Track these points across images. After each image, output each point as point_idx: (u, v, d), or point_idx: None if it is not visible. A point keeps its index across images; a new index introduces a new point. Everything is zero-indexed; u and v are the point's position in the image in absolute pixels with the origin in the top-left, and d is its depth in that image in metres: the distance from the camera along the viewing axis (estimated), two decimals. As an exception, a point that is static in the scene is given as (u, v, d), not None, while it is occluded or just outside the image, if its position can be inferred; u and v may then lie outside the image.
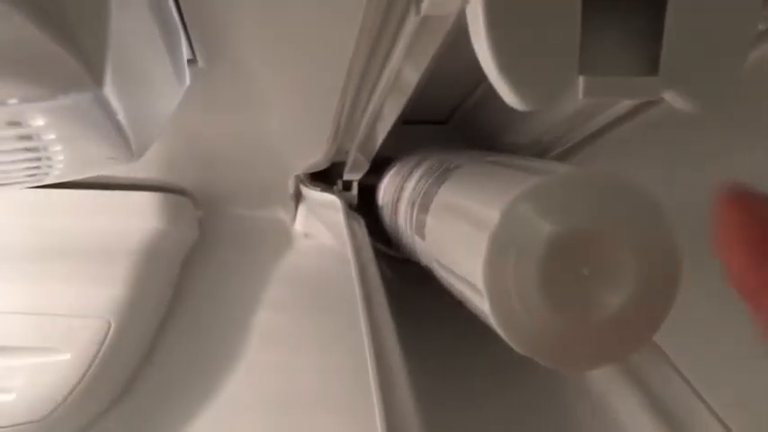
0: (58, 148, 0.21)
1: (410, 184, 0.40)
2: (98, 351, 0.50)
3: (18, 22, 0.12)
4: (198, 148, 0.46)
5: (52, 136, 0.19)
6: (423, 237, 0.35)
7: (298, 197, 0.59)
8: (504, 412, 0.42)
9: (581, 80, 0.23)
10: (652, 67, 0.24)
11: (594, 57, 0.23)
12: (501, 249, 0.23)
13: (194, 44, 0.28)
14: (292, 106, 0.39)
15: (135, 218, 0.53)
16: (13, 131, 0.18)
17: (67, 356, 0.49)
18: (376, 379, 0.32)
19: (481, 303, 0.24)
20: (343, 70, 0.32)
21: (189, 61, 0.29)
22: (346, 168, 0.51)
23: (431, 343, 0.47)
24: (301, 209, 0.61)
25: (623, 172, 0.24)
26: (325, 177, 0.56)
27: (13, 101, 0.15)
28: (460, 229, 0.27)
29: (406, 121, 0.55)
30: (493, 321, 0.24)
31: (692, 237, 0.25)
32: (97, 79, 0.15)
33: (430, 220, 0.34)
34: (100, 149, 0.22)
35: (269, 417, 0.54)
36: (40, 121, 0.18)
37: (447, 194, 0.32)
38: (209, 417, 0.53)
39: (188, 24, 0.27)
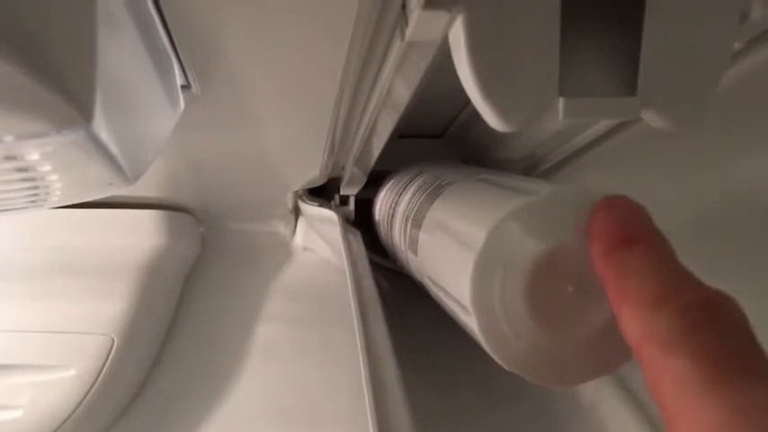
0: (55, 177, 0.22)
1: (404, 199, 0.40)
2: (102, 367, 0.50)
3: (4, 68, 0.13)
4: (198, 166, 0.47)
5: (48, 167, 0.20)
6: (415, 253, 0.36)
7: (297, 211, 0.60)
8: (498, 425, 0.43)
9: (561, 102, 0.24)
10: (630, 88, 0.24)
11: (574, 79, 0.24)
12: (487, 269, 0.23)
13: (187, 70, 0.29)
14: (287, 125, 0.40)
15: (138, 235, 0.54)
16: (10, 164, 0.19)
17: (72, 373, 0.50)
18: (370, 392, 0.33)
19: (470, 322, 0.25)
20: (335, 89, 0.33)
21: (183, 87, 0.30)
22: (343, 183, 0.52)
23: (426, 356, 0.48)
24: (301, 223, 0.61)
25: (605, 186, 0.24)
26: (323, 192, 0.56)
27: (8, 138, 0.16)
28: (449, 247, 0.28)
29: (402, 135, 0.56)
30: (481, 339, 0.24)
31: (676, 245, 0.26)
32: (87, 116, 0.16)
33: (422, 237, 0.34)
34: (95, 177, 0.23)
35: (272, 429, 0.54)
36: (35, 156, 0.18)
37: (438, 211, 0.33)
38: (213, 429, 0.54)
39: (179, 51, 0.27)
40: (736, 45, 0.28)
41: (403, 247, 0.39)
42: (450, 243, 0.28)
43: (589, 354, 0.24)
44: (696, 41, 0.25)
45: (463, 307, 0.25)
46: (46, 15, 0.14)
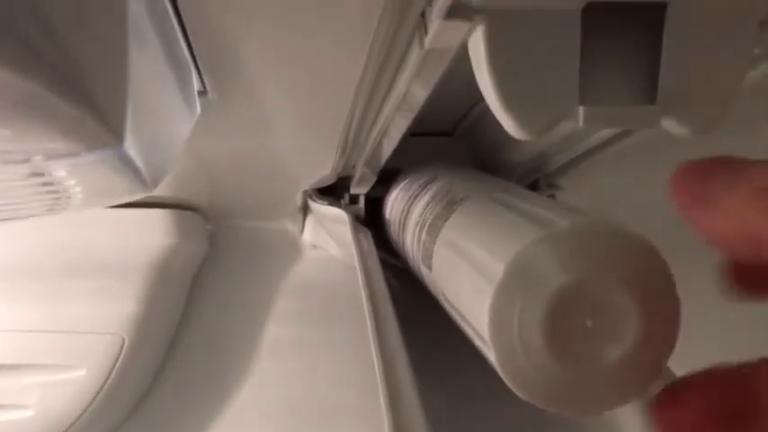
0: (78, 189, 0.22)
1: (417, 209, 0.40)
2: (113, 366, 0.51)
3: (38, 91, 0.13)
4: (208, 166, 0.47)
5: (73, 182, 0.20)
6: (430, 267, 0.36)
7: (306, 209, 0.60)
8: (507, 426, 0.43)
9: (581, 110, 0.24)
10: (650, 96, 0.24)
11: (594, 87, 0.24)
12: (505, 303, 0.23)
13: (204, 77, 0.29)
14: (300, 127, 0.40)
15: (147, 234, 0.54)
16: (35, 180, 0.19)
17: (83, 373, 0.50)
18: (385, 392, 0.33)
19: (487, 351, 0.25)
20: (350, 92, 0.33)
21: (199, 93, 0.30)
22: (353, 182, 0.52)
23: (435, 355, 0.48)
24: (309, 220, 0.61)
25: (616, 187, 0.24)
26: (333, 191, 0.56)
27: (37, 158, 0.16)
28: (466, 273, 0.28)
29: (413, 133, 0.56)
30: (499, 371, 0.24)
31: (681, 251, 0.26)
32: (119, 137, 0.16)
33: (437, 253, 0.34)
34: (118, 188, 0.23)
35: (281, 427, 0.54)
36: (62, 172, 0.18)
37: (453, 232, 0.33)
38: (222, 427, 0.54)
39: (198, 59, 0.27)
40: (756, 51, 0.28)
41: (416, 256, 0.39)
42: (468, 270, 0.28)
43: (608, 386, 0.24)
44: (715, 49, 0.24)
45: (481, 337, 0.25)
46: (81, 37, 0.14)
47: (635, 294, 0.22)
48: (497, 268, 0.24)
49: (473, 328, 0.27)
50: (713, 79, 0.25)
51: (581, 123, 0.24)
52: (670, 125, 0.24)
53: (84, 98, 0.14)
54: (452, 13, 0.23)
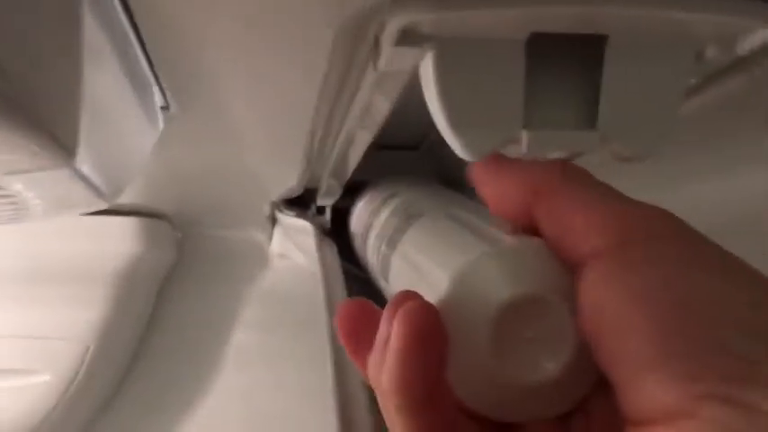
0: (37, 201, 0.22)
1: (378, 223, 0.41)
2: (77, 372, 0.51)
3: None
4: (176, 176, 0.48)
5: (31, 194, 0.21)
6: (387, 280, 0.37)
7: (274, 219, 0.61)
8: None
9: (525, 135, 0.25)
10: (591, 121, 0.26)
11: (538, 113, 0.25)
12: (452, 314, 0.24)
13: (166, 92, 0.30)
14: (264, 139, 0.40)
15: (114, 242, 0.54)
16: (-8, 192, 0.20)
17: (47, 378, 0.51)
18: (336, 404, 0.34)
19: None
20: (311, 109, 0.34)
21: (162, 108, 0.31)
22: (319, 194, 0.53)
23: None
24: (277, 230, 0.62)
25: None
26: (301, 202, 0.57)
27: (-6, 174, 0.17)
28: (417, 284, 0.29)
29: (379, 146, 0.57)
30: (448, 376, 0.25)
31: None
32: (70, 155, 0.17)
33: (393, 266, 0.35)
34: (76, 200, 0.24)
35: (245, 435, 0.55)
36: (18, 185, 0.19)
37: (408, 245, 0.34)
38: (187, 434, 0.55)
39: (159, 76, 0.28)
40: (693, 81, 0.29)
41: (377, 269, 0.40)
42: (419, 282, 0.29)
43: (549, 393, 0.25)
44: (654, 79, 0.26)
45: None
46: (31, 67, 0.15)
47: (572, 308, 0.23)
48: (443, 280, 0.25)
49: None
50: (651, 107, 0.26)
51: (524, 148, 0.25)
52: (608, 150, 0.26)
53: (35, 122, 0.15)
54: (403, 39, 0.24)
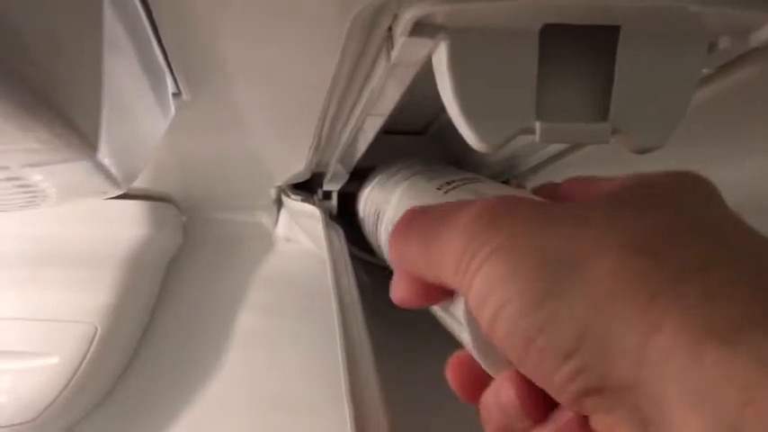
0: (53, 190, 0.23)
1: (391, 205, 0.41)
2: (85, 355, 0.51)
3: (15, 113, 0.14)
4: (184, 160, 0.48)
5: (48, 184, 0.21)
6: None
7: (280, 203, 0.61)
8: (471, 420, 0.44)
9: (538, 126, 0.25)
10: (603, 114, 0.26)
11: (550, 104, 0.25)
12: None
13: (178, 80, 0.30)
14: (274, 126, 0.41)
15: (121, 225, 0.55)
16: (12, 182, 0.20)
17: (55, 360, 0.51)
18: (347, 384, 0.34)
19: (460, 332, 0.26)
20: (323, 94, 0.34)
21: (174, 94, 0.31)
22: (326, 179, 0.53)
23: (406, 348, 0.49)
24: (283, 214, 0.62)
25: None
26: (307, 186, 0.57)
27: (15, 166, 0.17)
28: None
29: (387, 131, 0.57)
30: (473, 352, 0.25)
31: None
32: (93, 148, 0.17)
33: None
34: (92, 188, 0.24)
35: (252, 418, 0.55)
36: (38, 177, 0.19)
37: None
38: (193, 417, 0.55)
39: (172, 63, 0.28)
40: (705, 71, 0.29)
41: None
42: None
43: None
44: (666, 71, 0.26)
45: (456, 320, 0.26)
46: (56, 59, 0.15)
47: None
48: None
49: (448, 312, 0.28)
50: (662, 99, 0.26)
51: (537, 139, 0.25)
52: (620, 141, 0.26)
53: (59, 116, 0.15)
54: (417, 30, 0.24)
